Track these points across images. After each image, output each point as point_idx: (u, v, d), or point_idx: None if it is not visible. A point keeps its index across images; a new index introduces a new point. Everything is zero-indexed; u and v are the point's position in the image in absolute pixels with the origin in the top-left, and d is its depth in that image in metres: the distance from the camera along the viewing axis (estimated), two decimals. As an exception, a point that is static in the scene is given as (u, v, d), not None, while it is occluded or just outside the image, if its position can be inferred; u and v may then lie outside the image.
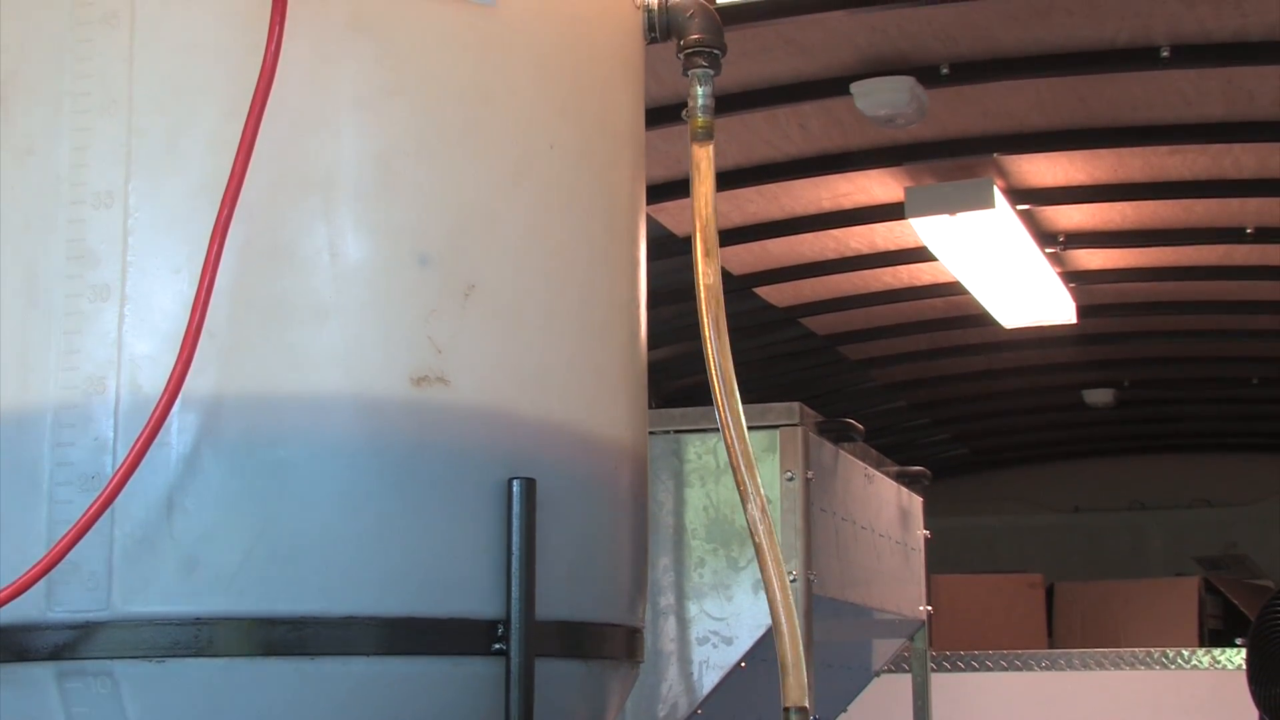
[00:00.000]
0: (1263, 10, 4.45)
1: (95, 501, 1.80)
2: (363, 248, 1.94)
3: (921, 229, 5.99)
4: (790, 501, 3.35)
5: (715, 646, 3.35)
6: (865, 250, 6.84)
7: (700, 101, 2.47)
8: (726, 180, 5.59)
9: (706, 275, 2.45)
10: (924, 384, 9.56)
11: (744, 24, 4.37)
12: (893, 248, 6.79)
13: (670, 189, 5.18)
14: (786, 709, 2.33)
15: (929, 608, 4.75)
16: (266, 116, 1.87)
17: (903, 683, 5.10)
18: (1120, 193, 6.11)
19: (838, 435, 3.70)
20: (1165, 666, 7.27)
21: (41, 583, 1.82)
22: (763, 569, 2.36)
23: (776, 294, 7.35)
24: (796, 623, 2.35)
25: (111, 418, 1.88)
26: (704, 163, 2.48)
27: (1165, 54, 4.71)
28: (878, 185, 6.02)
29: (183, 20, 1.96)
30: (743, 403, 2.41)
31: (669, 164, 4.92)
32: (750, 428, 2.42)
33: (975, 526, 11.79)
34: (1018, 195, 6.01)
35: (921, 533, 4.69)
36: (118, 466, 1.82)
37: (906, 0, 4.44)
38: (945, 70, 4.89)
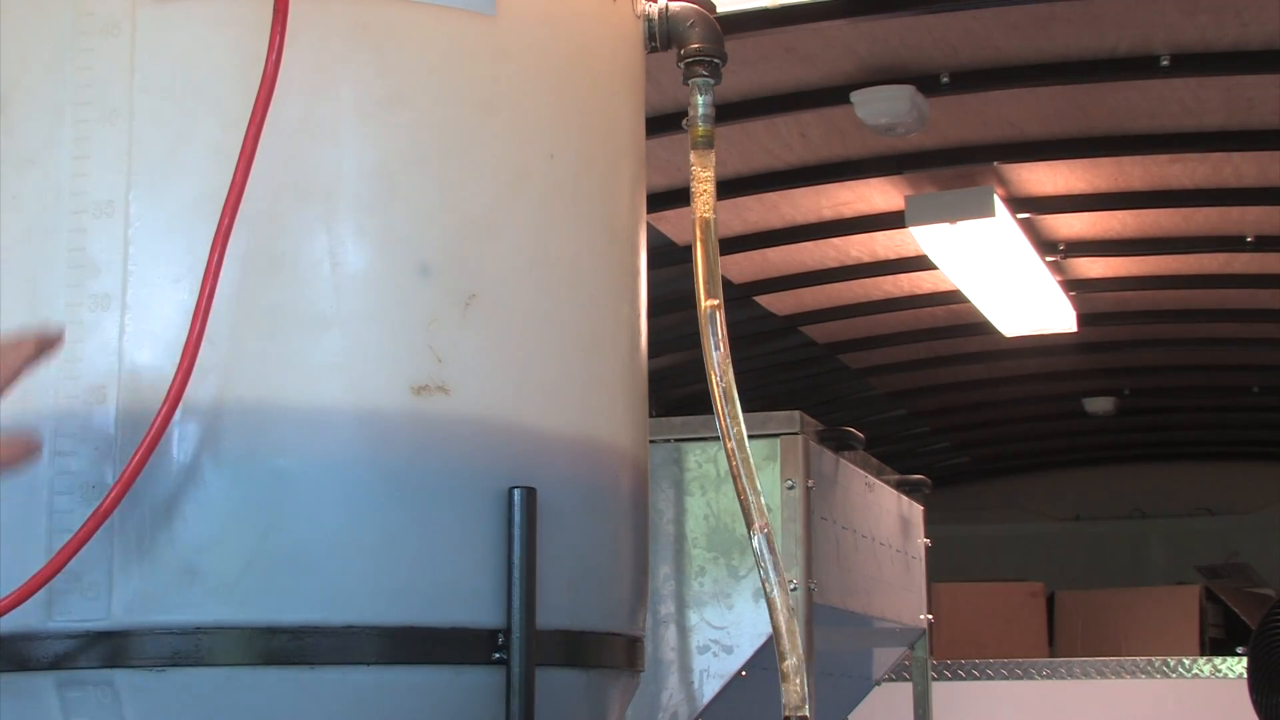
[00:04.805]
0: (1262, 19, 4.46)
1: (96, 511, 1.80)
2: (363, 257, 1.95)
3: (922, 237, 5.99)
4: (791, 510, 3.35)
5: (716, 655, 3.34)
6: (865, 259, 6.84)
7: (701, 110, 2.48)
8: (727, 189, 5.59)
9: (707, 283, 2.45)
10: (924, 392, 9.56)
11: (744, 32, 4.37)
12: (893, 256, 6.79)
13: (671, 197, 5.18)
14: (787, 717, 2.33)
15: (930, 616, 4.75)
16: (267, 126, 1.87)
17: (903, 691, 5.10)
18: (1120, 201, 6.11)
19: (838, 443, 3.70)
20: (1166, 675, 7.26)
21: (42, 592, 1.82)
22: (763, 578, 2.36)
23: (777, 302, 7.35)
24: (797, 631, 2.35)
25: (112, 427, 1.88)
26: (704, 171, 2.48)
27: (1165, 63, 4.71)
28: (878, 194, 6.02)
29: (183, 30, 1.96)
30: (743, 411, 2.41)
31: (670, 172, 4.92)
32: (751, 436, 2.42)
33: (976, 535, 11.79)
34: (1018, 204, 6.01)
35: (922, 541, 4.69)
36: (118, 476, 1.82)
37: (907, 9, 4.44)
38: (945, 79, 4.89)
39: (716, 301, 2.46)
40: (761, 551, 2.36)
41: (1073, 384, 9.59)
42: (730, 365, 2.41)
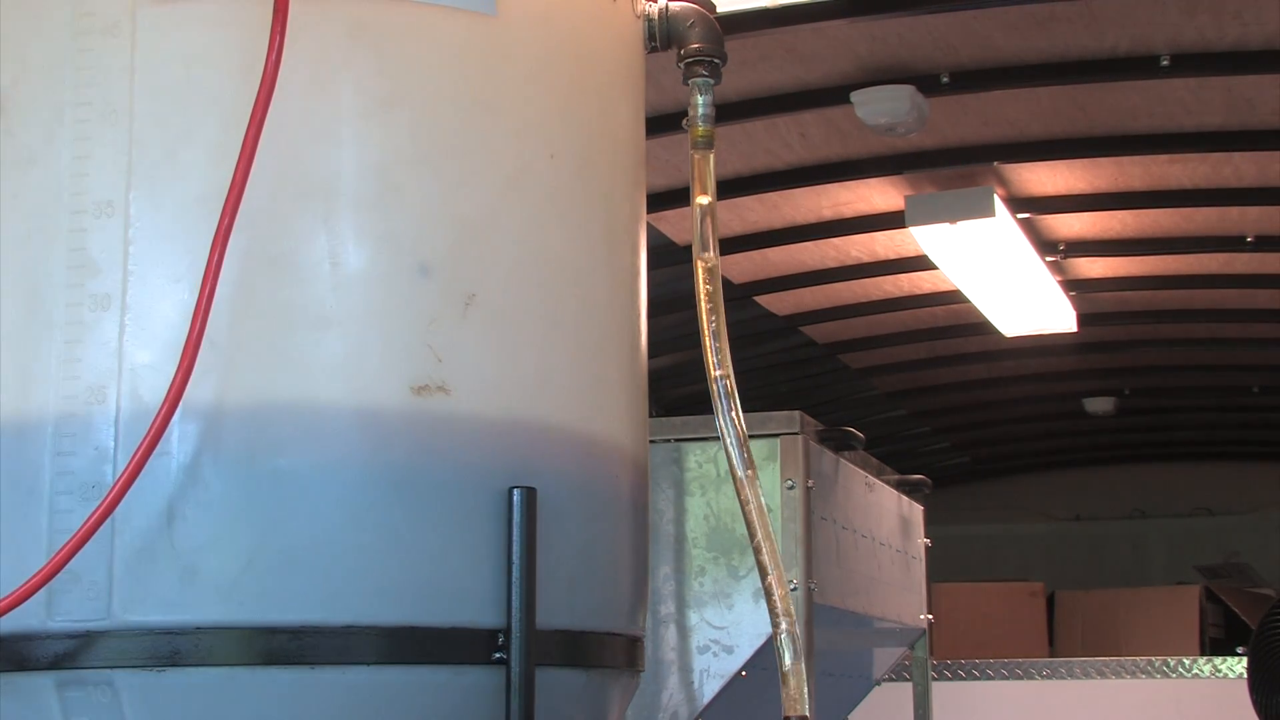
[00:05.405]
0: (1262, 19, 4.46)
1: (96, 511, 1.80)
2: (363, 257, 1.95)
3: (922, 237, 5.99)
4: (791, 510, 3.35)
5: (716, 655, 3.34)
6: (866, 259, 6.85)
7: (701, 110, 2.48)
8: (727, 189, 5.60)
9: (707, 283, 2.45)
10: (925, 392, 9.56)
11: (744, 33, 4.37)
12: (893, 256, 6.79)
13: (671, 197, 5.19)
14: (787, 718, 2.33)
15: (930, 616, 4.75)
16: (267, 126, 1.87)
17: (903, 691, 5.10)
18: (1120, 201, 6.11)
19: (838, 443, 3.70)
20: (1166, 675, 7.26)
21: (42, 592, 1.82)
22: (763, 577, 2.36)
23: (777, 302, 7.35)
24: (797, 631, 2.35)
25: (112, 427, 1.88)
26: (704, 171, 2.48)
27: (1165, 63, 4.71)
28: (878, 194, 6.03)
29: (184, 31, 1.96)
30: (743, 411, 2.41)
31: (669, 172, 4.92)
32: (751, 436, 2.42)
33: (976, 535, 11.80)
34: (1018, 204, 6.02)
35: (922, 541, 4.69)
36: (118, 476, 1.82)
37: (907, 9, 4.45)
38: (945, 79, 4.89)
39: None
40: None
41: (1073, 384, 9.60)
42: (730, 365, 2.41)
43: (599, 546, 2.13)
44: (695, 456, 3.42)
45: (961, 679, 7.46)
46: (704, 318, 2.42)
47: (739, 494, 2.38)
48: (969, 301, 6.93)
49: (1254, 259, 6.75)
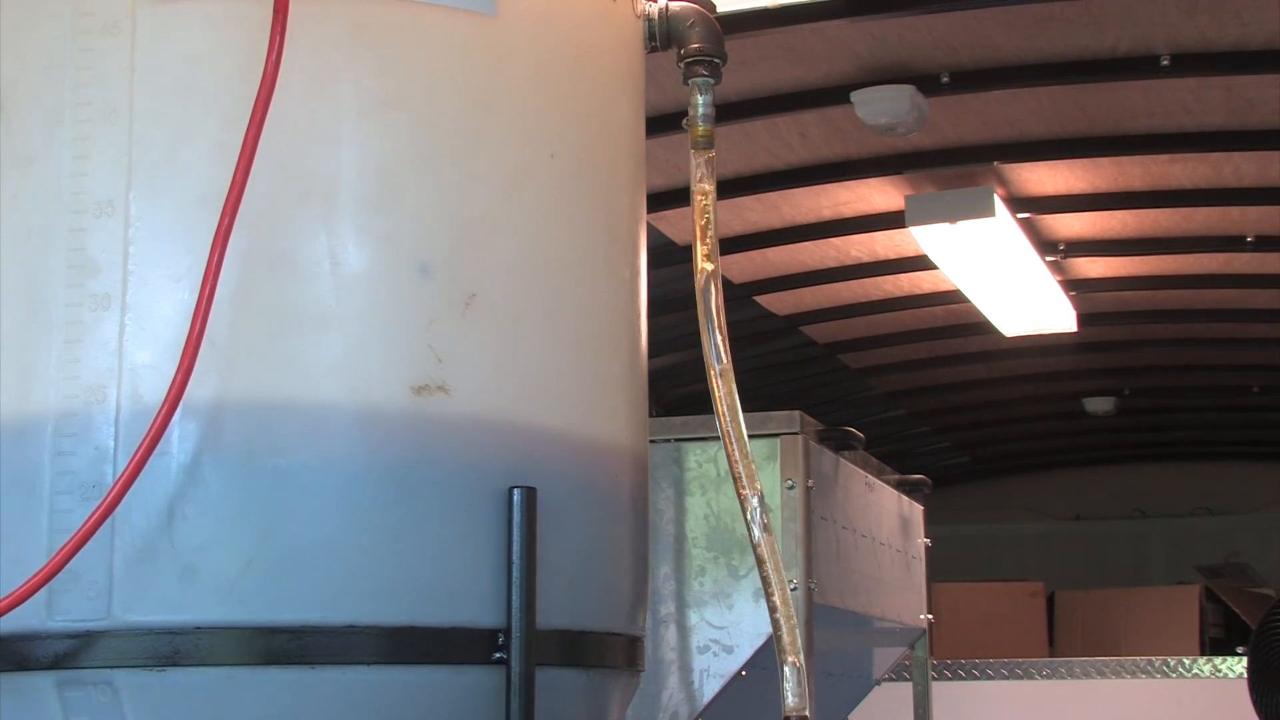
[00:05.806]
0: (1262, 19, 4.46)
1: (96, 511, 1.80)
2: (363, 257, 1.95)
3: (922, 237, 5.99)
4: (791, 510, 3.35)
5: (716, 655, 3.34)
6: (866, 258, 6.85)
7: (700, 110, 2.48)
8: (727, 189, 5.60)
9: (707, 283, 2.45)
10: (924, 392, 9.57)
11: (744, 32, 4.37)
12: (893, 256, 6.79)
13: (671, 197, 5.19)
14: (787, 717, 2.33)
15: (930, 616, 4.75)
16: (267, 126, 1.87)
17: (903, 691, 5.10)
18: (1120, 201, 6.11)
19: (838, 443, 3.70)
20: (1166, 675, 7.26)
21: (42, 592, 1.82)
22: (763, 577, 2.36)
23: (777, 302, 7.35)
24: (797, 631, 2.35)
25: (112, 427, 1.88)
26: (704, 171, 2.48)
27: (1165, 63, 4.72)
28: (878, 194, 6.03)
29: (184, 30, 1.96)
30: (743, 411, 2.41)
31: (670, 172, 4.92)
32: (751, 436, 2.42)
33: (976, 535, 11.80)
34: (1018, 203, 6.02)
35: (922, 541, 4.69)
36: (118, 476, 1.82)
37: (907, 9, 4.45)
38: (946, 79, 4.90)
39: (717, 302, 2.46)
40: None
41: (1073, 384, 9.60)
42: (730, 365, 2.41)
43: (599, 546, 2.13)
44: (695, 456, 3.42)
45: (961, 679, 7.47)
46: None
47: (740, 500, 2.38)
48: (969, 301, 6.93)
49: (1254, 259, 6.76)
